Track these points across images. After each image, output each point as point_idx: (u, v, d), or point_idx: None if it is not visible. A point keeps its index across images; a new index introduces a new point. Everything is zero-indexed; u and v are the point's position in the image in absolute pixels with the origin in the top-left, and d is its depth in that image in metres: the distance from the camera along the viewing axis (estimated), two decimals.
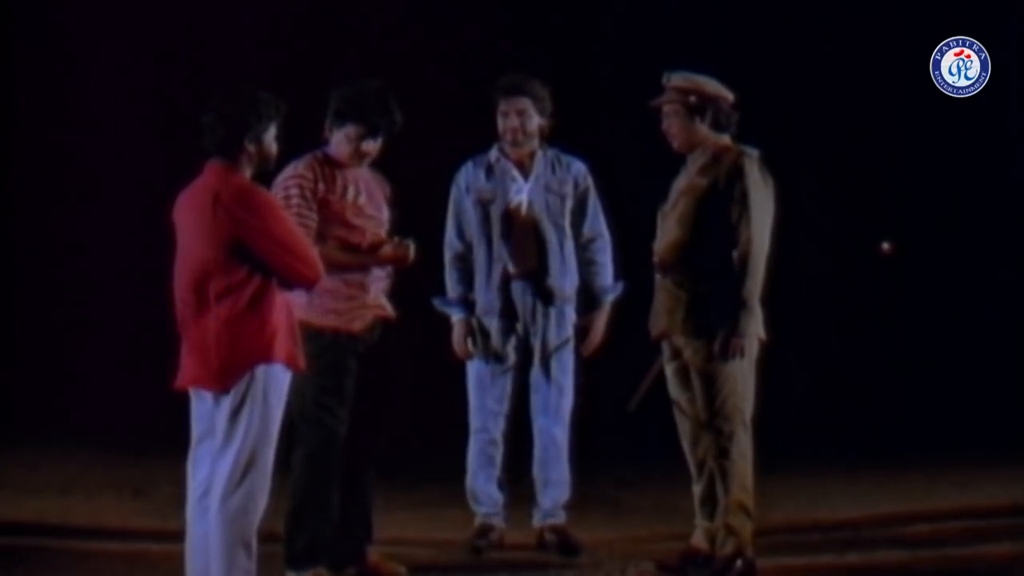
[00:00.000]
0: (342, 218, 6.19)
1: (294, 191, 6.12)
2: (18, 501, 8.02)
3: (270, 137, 5.57)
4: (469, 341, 6.95)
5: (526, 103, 6.90)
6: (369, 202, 6.30)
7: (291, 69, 9.89)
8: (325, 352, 6.08)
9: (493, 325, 6.92)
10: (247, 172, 5.55)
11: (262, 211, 5.46)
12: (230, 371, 5.42)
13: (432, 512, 7.74)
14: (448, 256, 7.03)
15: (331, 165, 6.24)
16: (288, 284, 5.52)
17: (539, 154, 6.97)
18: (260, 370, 5.43)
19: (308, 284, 5.61)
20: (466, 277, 7.00)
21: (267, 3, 10.92)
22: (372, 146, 6.27)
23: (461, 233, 7.00)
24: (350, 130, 6.22)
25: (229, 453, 5.43)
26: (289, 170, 6.17)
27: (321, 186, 6.16)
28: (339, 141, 6.26)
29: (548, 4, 11.03)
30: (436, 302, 7.05)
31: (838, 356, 11.35)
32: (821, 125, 11.23)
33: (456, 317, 7.00)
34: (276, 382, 5.49)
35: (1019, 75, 9.91)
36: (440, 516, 7.55)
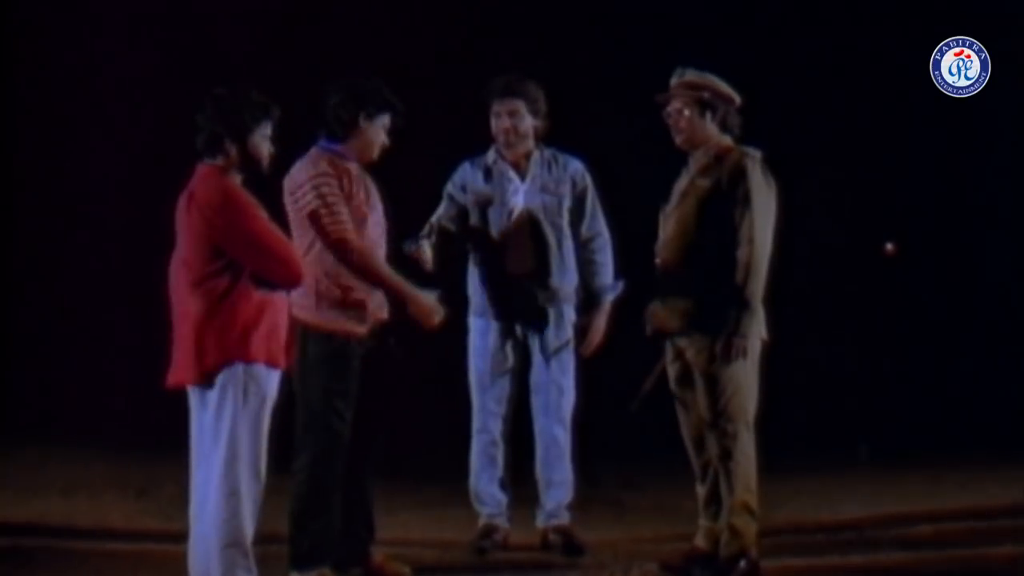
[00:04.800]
0: (358, 219, 6.10)
1: (332, 184, 6.00)
2: (21, 501, 8.02)
3: (257, 139, 5.54)
4: (425, 244, 6.61)
5: (518, 104, 6.87)
6: (371, 203, 6.25)
7: (288, 69, 9.89)
8: (334, 355, 6.07)
9: (492, 326, 6.91)
10: (233, 174, 5.53)
11: (234, 212, 5.45)
12: (204, 367, 5.43)
13: (436, 513, 7.75)
14: (429, 224, 6.81)
15: (340, 164, 6.15)
16: (267, 284, 5.49)
17: (535, 154, 6.94)
18: (239, 369, 5.44)
19: (287, 284, 5.59)
20: (437, 242, 6.69)
21: (266, 4, 10.92)
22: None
23: (449, 215, 6.88)
24: (387, 120, 6.20)
25: (216, 455, 5.45)
26: (308, 169, 6.07)
27: (345, 182, 6.09)
28: (375, 133, 6.18)
29: (549, 2, 11.03)
30: (405, 244, 6.63)
31: (840, 356, 11.36)
32: (822, 126, 11.24)
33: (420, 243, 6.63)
34: (256, 382, 5.48)
35: (1019, 75, 9.92)
36: (444, 517, 7.56)
